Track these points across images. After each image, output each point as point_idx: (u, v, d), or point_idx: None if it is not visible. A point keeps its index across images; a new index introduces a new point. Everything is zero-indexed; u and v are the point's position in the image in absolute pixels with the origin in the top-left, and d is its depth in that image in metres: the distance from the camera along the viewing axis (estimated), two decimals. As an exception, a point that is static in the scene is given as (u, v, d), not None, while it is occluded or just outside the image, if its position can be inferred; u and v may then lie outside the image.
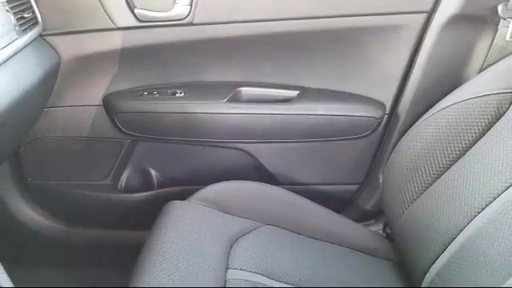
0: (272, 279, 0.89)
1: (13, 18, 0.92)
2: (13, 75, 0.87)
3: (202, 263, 0.88)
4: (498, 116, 0.90)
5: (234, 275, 0.87)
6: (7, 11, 0.91)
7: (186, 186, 1.23)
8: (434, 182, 0.96)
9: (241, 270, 0.89)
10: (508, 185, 0.80)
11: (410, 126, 1.04)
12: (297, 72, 1.20)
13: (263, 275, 0.89)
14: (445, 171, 0.94)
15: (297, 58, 1.18)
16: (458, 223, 0.84)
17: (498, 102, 0.91)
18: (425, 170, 0.97)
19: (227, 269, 0.89)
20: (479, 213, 0.82)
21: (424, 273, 0.89)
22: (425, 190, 0.96)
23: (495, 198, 0.81)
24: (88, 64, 1.13)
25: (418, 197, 0.97)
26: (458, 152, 0.93)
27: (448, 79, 1.08)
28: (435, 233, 0.88)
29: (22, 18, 0.96)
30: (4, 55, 0.83)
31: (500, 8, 0.99)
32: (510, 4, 0.98)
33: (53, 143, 1.21)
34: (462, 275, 0.79)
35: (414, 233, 0.95)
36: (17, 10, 0.95)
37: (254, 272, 0.89)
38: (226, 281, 0.86)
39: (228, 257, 0.91)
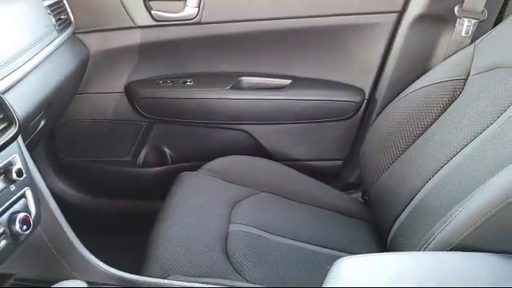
0: (265, 231, 1.06)
1: (53, 20, 1.11)
2: (55, 66, 1.06)
3: (209, 219, 1.07)
4: (453, 98, 1.08)
5: (234, 228, 1.05)
6: (49, 14, 1.10)
7: (194, 161, 1.40)
8: (402, 154, 1.13)
9: (240, 224, 1.07)
10: (454, 153, 0.98)
11: (385, 109, 1.23)
12: (289, 63, 1.37)
13: (258, 228, 1.06)
14: (410, 145, 1.12)
15: (289, 51, 1.35)
16: (416, 185, 1.02)
17: (453, 87, 1.09)
18: (394, 145, 1.15)
19: (229, 223, 1.07)
20: (432, 176, 1.00)
21: (389, 229, 1.06)
22: (394, 161, 1.14)
23: (444, 165, 0.99)
24: (112, 57, 1.32)
25: (388, 167, 1.15)
26: (421, 128, 1.11)
27: (416, 68, 1.24)
28: (399, 195, 1.06)
29: (60, 19, 1.15)
30: (50, 50, 1.01)
31: (456, 9, 1.17)
32: (464, 5, 1.16)
33: (82, 125, 1.39)
34: (418, 227, 0.96)
35: (383, 196, 1.14)
36: (55, 12, 1.14)
37: (250, 226, 1.06)
38: (228, 232, 1.04)
39: (230, 215, 1.09)
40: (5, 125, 0.75)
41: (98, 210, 1.49)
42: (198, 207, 1.11)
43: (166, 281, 0.82)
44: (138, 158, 1.46)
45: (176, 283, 0.80)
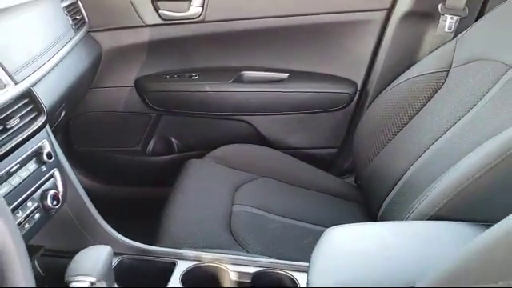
0: (265, 211, 1.17)
1: (70, 20, 1.21)
2: (73, 62, 1.16)
3: (214, 201, 1.18)
4: (437, 89, 1.18)
5: (237, 208, 1.16)
6: (66, 14, 1.20)
7: (199, 150, 1.48)
8: (391, 140, 1.23)
9: (242, 205, 1.17)
10: (437, 138, 1.08)
11: (376, 100, 1.32)
12: (287, 58, 1.47)
13: (259, 209, 1.17)
14: (399, 131, 1.22)
15: (287, 47, 1.45)
16: (403, 168, 1.11)
17: (436, 79, 1.19)
18: (384, 132, 1.24)
19: (232, 204, 1.17)
20: (417, 159, 1.10)
21: (378, 208, 1.16)
22: (384, 147, 1.24)
23: (428, 148, 1.08)
24: (123, 53, 1.42)
25: (378, 152, 1.25)
26: (408, 116, 1.21)
27: (404, 61, 1.34)
28: (387, 177, 1.16)
29: (75, 19, 1.25)
30: (68, 47, 1.11)
31: (440, 6, 1.27)
32: (446, 3, 1.26)
33: (95, 116, 1.49)
34: (403, 205, 1.06)
35: (373, 180, 1.24)
36: (71, 13, 1.24)
37: (252, 206, 1.17)
38: (231, 212, 1.15)
39: (233, 197, 1.20)
40: (35, 114, 0.86)
41: (110, 196, 1.57)
42: (204, 191, 1.22)
43: (178, 250, 0.92)
44: (147, 148, 1.56)
45: (187, 252, 0.91)
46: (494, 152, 0.83)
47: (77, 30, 1.24)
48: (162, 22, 1.37)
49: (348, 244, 0.77)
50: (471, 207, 0.82)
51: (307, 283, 0.70)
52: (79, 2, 1.30)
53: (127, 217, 1.47)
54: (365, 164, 1.28)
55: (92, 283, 0.65)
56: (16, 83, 0.82)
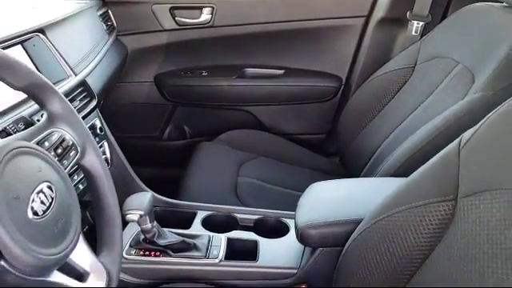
0: (264, 182, 1.43)
1: (104, 26, 1.48)
2: (109, 61, 1.42)
3: (223, 174, 1.43)
4: (405, 82, 1.43)
5: (241, 180, 1.41)
6: (101, 21, 1.47)
7: (208, 136, 1.72)
8: (368, 124, 1.47)
9: (245, 177, 1.43)
10: (403, 120, 1.33)
11: (357, 92, 1.58)
12: (282, 57, 1.72)
13: (259, 180, 1.43)
14: (374, 117, 1.46)
15: (282, 48, 1.71)
16: (377, 145, 1.35)
17: (404, 73, 1.44)
18: (363, 118, 1.48)
19: (238, 177, 1.43)
20: (387, 137, 1.34)
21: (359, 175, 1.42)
22: (362, 130, 1.49)
23: (396, 128, 1.33)
24: (144, 54, 1.68)
25: (358, 134, 1.49)
26: (382, 105, 1.45)
27: (380, 59, 1.58)
28: (365, 153, 1.40)
29: (107, 25, 1.52)
30: (106, 48, 1.38)
31: (408, 13, 1.53)
32: (413, 11, 1.52)
33: (120, 107, 1.73)
34: (375, 169, 1.29)
35: (354, 157, 1.48)
36: (104, 20, 1.50)
37: (253, 178, 1.43)
38: (237, 182, 1.40)
39: (238, 171, 1.45)
40: (88, 99, 1.12)
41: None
42: (214, 166, 1.48)
43: (197, 203, 1.18)
44: (163, 134, 1.81)
45: (205, 204, 1.17)
46: (438, 125, 1.10)
47: (109, 34, 1.50)
48: (178, 27, 1.63)
49: (324, 193, 1.04)
50: (422, 165, 1.08)
51: (294, 223, 0.96)
52: (109, 11, 1.56)
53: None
54: (347, 144, 1.53)
55: (141, 215, 0.91)
56: (76, 74, 1.08)
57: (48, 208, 0.58)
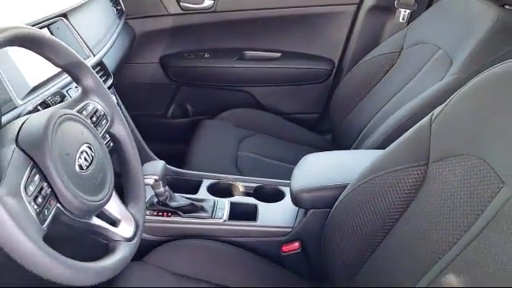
0: (262, 156, 1.56)
1: (115, 10, 1.59)
2: (119, 43, 1.53)
3: (224, 149, 1.55)
4: (392, 65, 1.55)
5: (241, 154, 1.54)
6: (112, 6, 1.58)
7: (209, 115, 1.82)
8: (358, 104, 1.60)
9: (245, 151, 1.56)
10: (389, 99, 1.45)
11: (349, 75, 1.70)
12: (279, 41, 1.83)
13: (258, 155, 1.56)
14: (363, 97, 1.58)
15: (279, 32, 1.82)
16: (365, 122, 1.48)
17: (391, 58, 1.56)
18: (353, 99, 1.61)
19: (238, 151, 1.56)
20: (375, 114, 1.45)
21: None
22: (352, 110, 1.61)
23: (383, 106, 1.44)
24: (151, 37, 1.79)
25: (348, 114, 1.61)
26: (370, 86, 1.57)
27: (370, 45, 1.70)
28: (354, 129, 1.52)
29: (118, 9, 1.62)
30: (118, 31, 1.49)
31: (395, 2, 1.66)
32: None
33: (127, 86, 1.81)
34: (362, 144, 1.42)
35: (344, 133, 1.61)
36: (114, 4, 1.61)
37: (253, 153, 1.56)
38: (237, 156, 1.53)
39: (238, 146, 1.58)
40: (105, 77, 1.24)
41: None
42: (216, 141, 1.60)
43: (202, 172, 1.32)
44: (168, 112, 1.92)
45: (209, 174, 1.30)
46: (418, 104, 1.24)
47: (119, 18, 1.61)
48: (182, 11, 1.74)
49: (316, 163, 1.17)
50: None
51: (290, 189, 1.10)
52: (119, -4, 1.67)
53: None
54: (339, 123, 1.66)
55: (156, 180, 1.05)
56: (94, 55, 1.20)
57: (90, 164, 0.71)
